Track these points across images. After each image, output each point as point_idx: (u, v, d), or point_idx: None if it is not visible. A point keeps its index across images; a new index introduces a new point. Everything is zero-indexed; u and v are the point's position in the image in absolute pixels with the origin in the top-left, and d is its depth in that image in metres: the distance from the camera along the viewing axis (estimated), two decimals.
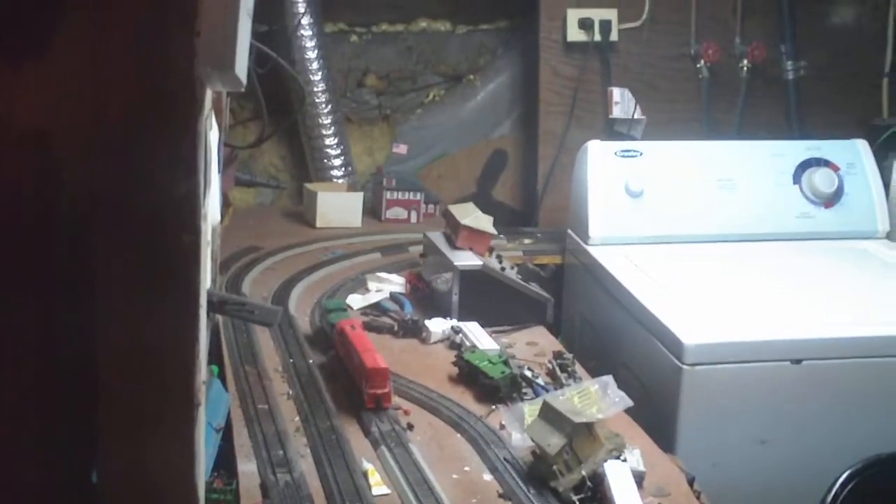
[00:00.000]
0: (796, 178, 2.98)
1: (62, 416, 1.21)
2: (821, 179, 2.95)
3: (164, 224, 1.13)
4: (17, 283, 1.15)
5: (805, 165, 2.99)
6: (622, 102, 3.55)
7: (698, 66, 3.57)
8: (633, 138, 3.45)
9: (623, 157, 2.95)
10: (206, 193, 1.22)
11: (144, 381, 1.17)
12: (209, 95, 1.20)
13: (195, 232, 1.15)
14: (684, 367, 2.18)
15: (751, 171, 2.99)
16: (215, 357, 2.12)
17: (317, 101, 3.49)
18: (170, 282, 1.15)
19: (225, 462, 1.73)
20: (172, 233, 1.13)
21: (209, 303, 1.35)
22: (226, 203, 3.01)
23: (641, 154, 2.97)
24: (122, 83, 1.10)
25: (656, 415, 2.14)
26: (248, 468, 1.73)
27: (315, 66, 3.46)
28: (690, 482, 1.75)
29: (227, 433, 1.80)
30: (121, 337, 1.16)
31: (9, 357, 1.17)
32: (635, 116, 3.52)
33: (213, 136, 1.48)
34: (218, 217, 2.11)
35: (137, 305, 1.15)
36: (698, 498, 1.71)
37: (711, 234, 2.91)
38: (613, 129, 3.55)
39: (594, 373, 2.13)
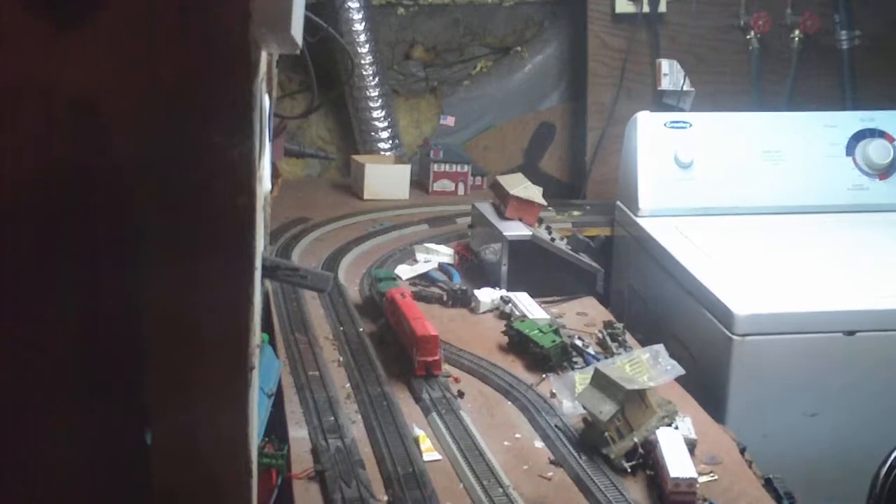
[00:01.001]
0: (850, 150, 2.94)
1: (110, 379, 1.22)
2: (875, 151, 2.91)
3: (219, 187, 1.13)
4: (61, 247, 1.16)
5: (859, 136, 2.95)
6: (671, 74, 3.52)
7: (748, 37, 3.51)
8: (681, 110, 3.42)
9: (672, 128, 2.93)
10: (262, 156, 1.23)
11: (199, 344, 1.18)
12: (264, 57, 1.20)
13: (250, 195, 1.15)
14: (735, 337, 2.17)
15: (802, 143, 2.95)
16: (266, 325, 2.13)
17: (364, 73, 3.48)
18: (225, 244, 1.15)
19: (276, 428, 1.74)
20: (227, 196, 1.13)
21: (263, 268, 1.36)
22: (275, 174, 3.01)
23: (691, 125, 2.94)
24: (175, 46, 1.09)
25: (706, 386, 2.12)
26: (299, 434, 1.74)
27: (362, 38, 3.46)
28: (742, 451, 1.74)
29: (278, 399, 1.81)
30: (174, 299, 1.16)
31: (53, 319, 1.18)
32: (684, 88, 3.48)
33: (266, 101, 1.48)
34: (269, 186, 2.12)
35: (192, 268, 1.15)
36: (750, 467, 1.70)
37: (762, 205, 2.88)
38: (662, 101, 3.52)
39: (644, 344, 2.12)
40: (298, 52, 1.27)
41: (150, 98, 1.11)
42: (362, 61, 3.47)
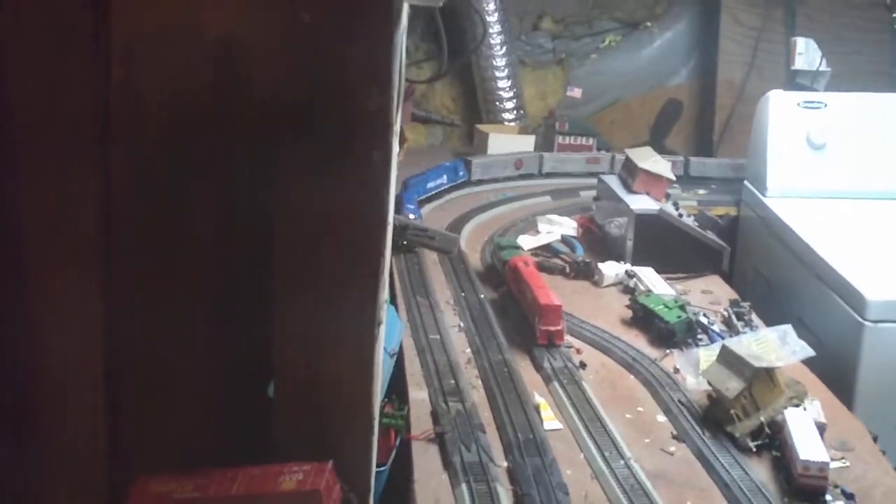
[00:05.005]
0: None
1: (238, 326, 1.22)
2: None
3: (355, 138, 1.12)
4: (197, 182, 1.17)
5: None
6: (806, 53, 3.41)
7: (894, 15, 3.38)
8: (815, 91, 3.32)
9: (806, 108, 2.85)
10: (399, 110, 1.21)
11: (327, 294, 1.17)
12: (406, 8, 1.18)
13: (386, 149, 1.13)
14: (866, 323, 2.10)
15: None
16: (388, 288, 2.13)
17: (492, 42, 3.47)
18: (359, 195, 1.14)
19: (396, 389, 1.74)
20: (363, 147, 1.12)
21: (392, 225, 1.35)
22: (401, 138, 3.02)
23: (825, 105, 2.86)
24: None
25: (833, 371, 2.04)
26: (419, 396, 1.74)
27: (492, 7, 3.44)
28: (874, 440, 1.68)
29: (399, 361, 1.81)
30: (306, 244, 1.16)
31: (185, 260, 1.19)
32: (820, 68, 3.38)
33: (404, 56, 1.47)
34: (397, 147, 2.11)
35: (325, 218, 1.14)
36: (884, 456, 1.63)
37: None
38: (795, 81, 3.41)
39: (767, 326, 2.06)
40: (441, 4, 1.25)
41: (290, 41, 1.10)
42: (491, 31, 3.45)
